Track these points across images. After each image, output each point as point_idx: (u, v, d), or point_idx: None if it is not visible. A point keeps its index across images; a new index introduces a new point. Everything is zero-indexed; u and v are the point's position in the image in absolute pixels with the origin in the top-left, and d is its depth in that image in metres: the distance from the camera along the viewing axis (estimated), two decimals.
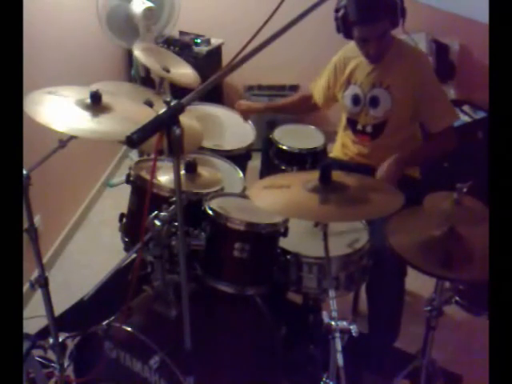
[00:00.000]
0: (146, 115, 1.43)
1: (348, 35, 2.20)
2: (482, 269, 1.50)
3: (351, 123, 2.39)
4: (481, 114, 3.26)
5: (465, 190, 1.59)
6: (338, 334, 1.48)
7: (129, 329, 1.65)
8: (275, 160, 2.48)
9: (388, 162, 2.13)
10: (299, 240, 1.88)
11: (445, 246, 1.60)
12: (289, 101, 2.74)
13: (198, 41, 3.81)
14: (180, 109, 1.16)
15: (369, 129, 2.33)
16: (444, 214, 1.60)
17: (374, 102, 2.27)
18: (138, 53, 2.49)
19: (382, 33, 2.13)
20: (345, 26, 2.16)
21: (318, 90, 2.54)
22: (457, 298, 1.80)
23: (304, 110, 2.76)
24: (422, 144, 2.37)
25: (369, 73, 2.28)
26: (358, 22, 2.10)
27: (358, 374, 2.08)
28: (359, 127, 2.36)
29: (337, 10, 2.17)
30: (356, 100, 2.32)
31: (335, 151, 2.52)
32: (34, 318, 2.16)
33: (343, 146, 2.47)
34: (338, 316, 1.51)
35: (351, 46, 2.33)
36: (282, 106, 2.73)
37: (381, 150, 2.32)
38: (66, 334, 1.92)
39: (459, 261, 1.58)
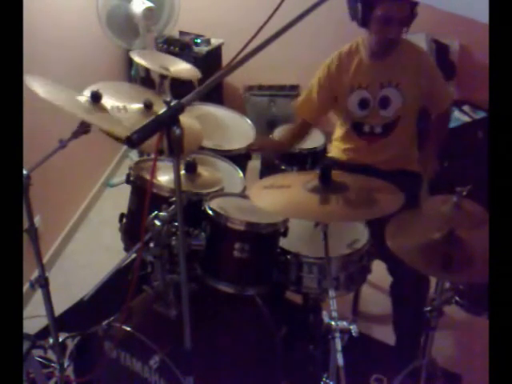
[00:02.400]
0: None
1: (364, 21, 2.12)
2: (481, 272, 1.50)
3: (356, 127, 2.34)
4: (481, 114, 3.27)
5: (464, 193, 1.59)
6: (338, 334, 1.48)
7: (129, 329, 1.65)
8: (275, 160, 2.48)
9: (426, 162, 2.24)
10: (299, 240, 1.88)
11: (445, 250, 1.60)
12: (293, 134, 2.50)
13: (198, 41, 3.81)
14: (180, 109, 1.15)
15: (378, 129, 2.31)
16: (444, 218, 1.60)
17: (385, 102, 2.26)
18: (137, 58, 2.50)
19: (406, 17, 2.10)
20: (366, 7, 2.08)
21: (308, 108, 2.40)
22: (457, 298, 1.80)
23: (306, 134, 2.51)
24: (434, 128, 2.41)
25: (373, 73, 2.25)
26: None
27: (358, 374, 2.08)
28: (366, 129, 2.32)
29: None
30: (363, 104, 2.28)
31: (335, 151, 2.50)
32: (34, 318, 2.17)
33: (343, 145, 2.46)
34: (338, 316, 1.51)
35: (344, 50, 2.30)
36: (291, 140, 2.49)
37: (390, 147, 2.32)
38: (66, 334, 1.92)
39: (459, 264, 1.58)
